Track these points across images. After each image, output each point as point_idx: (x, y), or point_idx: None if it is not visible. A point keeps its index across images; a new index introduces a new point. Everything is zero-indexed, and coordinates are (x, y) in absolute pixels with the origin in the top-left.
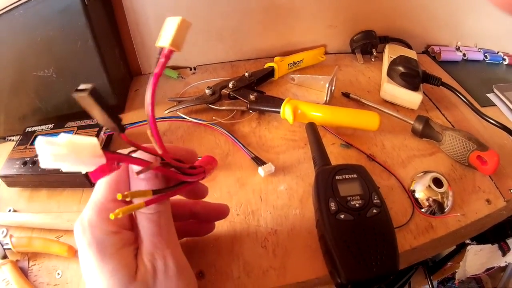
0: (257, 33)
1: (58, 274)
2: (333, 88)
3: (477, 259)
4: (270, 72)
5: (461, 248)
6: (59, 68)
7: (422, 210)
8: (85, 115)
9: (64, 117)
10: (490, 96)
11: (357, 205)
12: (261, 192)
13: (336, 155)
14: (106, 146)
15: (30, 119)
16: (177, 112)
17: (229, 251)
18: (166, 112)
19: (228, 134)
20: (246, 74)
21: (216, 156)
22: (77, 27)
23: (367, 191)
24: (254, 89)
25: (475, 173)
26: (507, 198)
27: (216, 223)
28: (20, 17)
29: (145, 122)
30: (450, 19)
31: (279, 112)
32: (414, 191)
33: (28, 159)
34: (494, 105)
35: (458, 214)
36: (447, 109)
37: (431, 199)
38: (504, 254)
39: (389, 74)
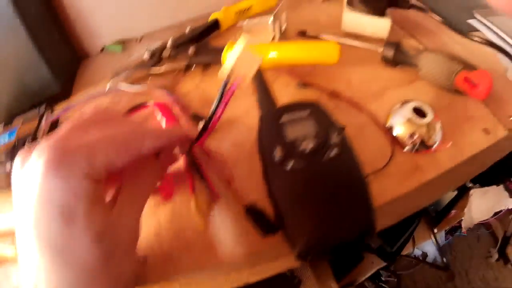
0: None
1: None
2: (282, 25)
3: (483, 203)
4: (215, 24)
5: (463, 193)
6: None
7: (406, 149)
8: (29, 108)
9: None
10: (472, 22)
11: (309, 148)
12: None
13: (293, 97)
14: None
15: None
16: (118, 84)
17: (170, 230)
18: (107, 86)
19: (169, 95)
20: (188, 30)
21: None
22: (4, 16)
23: (322, 129)
24: (197, 43)
25: (466, 100)
26: (509, 126)
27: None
28: None
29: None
30: None
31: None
32: (391, 127)
33: None
34: (477, 30)
35: (451, 142)
36: (423, 36)
37: (415, 134)
38: (511, 195)
39: (349, 2)
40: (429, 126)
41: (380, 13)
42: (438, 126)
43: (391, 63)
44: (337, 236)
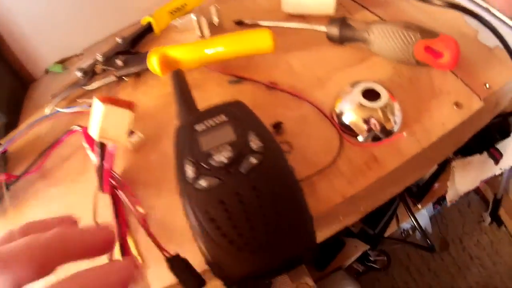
0: None
1: None
2: (213, 18)
3: (467, 174)
4: (148, 28)
5: (445, 166)
6: None
7: (360, 139)
8: None
9: None
10: None
11: (224, 159)
12: (132, 169)
13: (226, 96)
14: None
15: None
16: (55, 108)
17: None
18: (46, 111)
19: None
20: (119, 40)
21: None
22: None
23: (241, 135)
24: (130, 52)
25: (430, 72)
26: (483, 96)
27: None
28: None
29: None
30: None
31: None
32: (340, 114)
33: None
34: None
35: (404, 133)
36: (377, 5)
37: (369, 120)
38: (497, 162)
39: None
40: (384, 109)
41: None
42: (396, 107)
43: (338, 41)
44: (272, 264)
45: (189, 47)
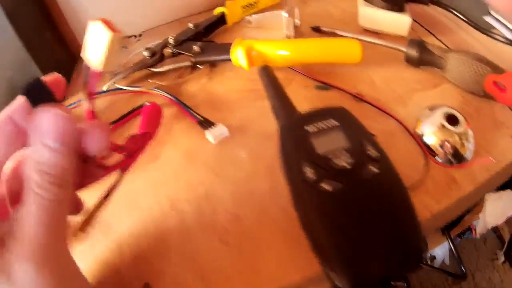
0: None
1: None
2: (296, 20)
3: (497, 208)
4: (221, 19)
5: None
6: None
7: (438, 159)
8: None
9: None
10: (487, 19)
11: (345, 164)
12: (215, 165)
13: (312, 100)
14: None
15: None
16: (115, 84)
17: (181, 254)
18: (105, 87)
19: (171, 97)
20: (191, 26)
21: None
22: None
23: (356, 142)
24: (201, 40)
25: (492, 105)
26: None
27: (162, 216)
28: None
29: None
30: None
31: (230, 59)
32: (422, 135)
33: None
34: (494, 28)
35: (491, 158)
36: (443, 34)
37: (446, 143)
38: None
39: None
40: (462, 135)
41: (399, 8)
42: (470, 134)
43: (415, 63)
44: (386, 268)
45: (279, 44)
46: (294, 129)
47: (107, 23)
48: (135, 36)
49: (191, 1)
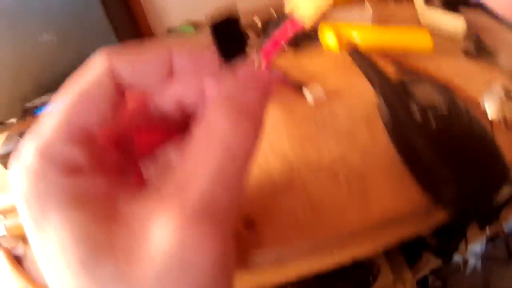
0: None
1: None
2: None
3: None
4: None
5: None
6: (61, 31)
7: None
8: None
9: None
10: None
11: (441, 110)
12: (316, 119)
13: None
14: None
15: (31, 97)
16: None
17: (287, 189)
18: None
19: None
20: (273, 12)
21: None
22: None
23: (446, 97)
24: None
25: None
26: None
27: (264, 160)
28: None
29: None
30: None
31: (317, 41)
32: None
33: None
34: None
35: None
36: (488, 36)
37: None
38: None
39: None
40: None
41: (455, 10)
42: None
43: (471, 55)
44: (482, 182)
45: (365, 30)
46: (396, 88)
47: None
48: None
49: None
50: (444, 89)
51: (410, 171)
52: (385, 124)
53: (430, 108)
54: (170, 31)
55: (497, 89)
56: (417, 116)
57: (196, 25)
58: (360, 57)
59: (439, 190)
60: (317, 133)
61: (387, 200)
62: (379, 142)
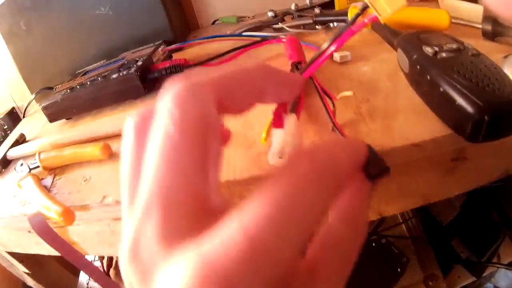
0: None
1: (85, 180)
2: None
3: None
4: (331, 2)
5: None
6: (116, 6)
7: None
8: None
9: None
10: None
11: (454, 46)
12: (342, 72)
13: None
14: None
15: (85, 65)
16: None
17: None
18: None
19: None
20: (307, 1)
21: None
22: None
23: (458, 40)
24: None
25: None
26: None
27: None
28: None
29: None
30: None
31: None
32: None
33: (77, 85)
34: None
35: None
36: None
37: None
38: None
39: None
40: None
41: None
42: None
43: (490, 36)
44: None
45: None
46: (410, 36)
47: None
48: (248, 16)
49: None
50: (455, 39)
51: (432, 109)
52: (406, 74)
53: (440, 46)
54: (215, 23)
55: (508, 60)
56: (429, 50)
57: (237, 18)
58: (380, 27)
59: (458, 117)
60: (342, 82)
61: (409, 130)
62: (401, 91)
